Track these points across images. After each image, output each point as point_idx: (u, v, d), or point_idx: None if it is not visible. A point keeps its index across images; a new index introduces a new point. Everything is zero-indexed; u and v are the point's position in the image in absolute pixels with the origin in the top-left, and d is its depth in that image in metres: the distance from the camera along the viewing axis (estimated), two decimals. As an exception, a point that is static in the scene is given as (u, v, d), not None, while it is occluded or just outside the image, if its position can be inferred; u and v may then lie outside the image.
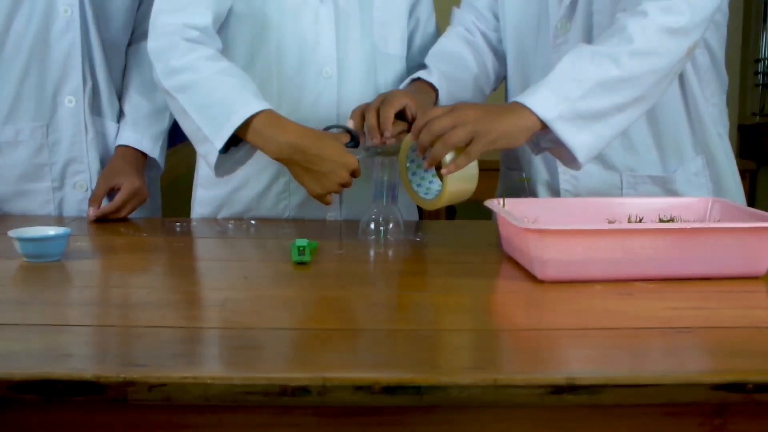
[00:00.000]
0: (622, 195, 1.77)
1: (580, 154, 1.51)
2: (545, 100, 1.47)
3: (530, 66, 1.81)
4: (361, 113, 1.60)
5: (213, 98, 1.57)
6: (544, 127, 1.48)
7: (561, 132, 1.48)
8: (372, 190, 1.62)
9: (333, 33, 1.74)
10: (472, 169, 1.51)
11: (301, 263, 1.46)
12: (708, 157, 1.80)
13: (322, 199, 1.57)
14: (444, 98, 1.75)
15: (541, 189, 1.83)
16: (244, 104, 1.55)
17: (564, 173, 1.78)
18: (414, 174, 1.61)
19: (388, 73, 1.80)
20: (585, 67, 1.50)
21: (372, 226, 1.64)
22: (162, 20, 1.63)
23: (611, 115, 1.51)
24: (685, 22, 1.51)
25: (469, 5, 1.92)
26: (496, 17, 1.89)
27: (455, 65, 1.80)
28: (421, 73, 1.75)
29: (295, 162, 1.54)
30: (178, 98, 1.59)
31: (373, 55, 1.78)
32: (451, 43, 1.85)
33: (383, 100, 1.59)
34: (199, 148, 1.62)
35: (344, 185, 1.56)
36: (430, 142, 1.46)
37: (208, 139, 1.56)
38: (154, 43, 1.63)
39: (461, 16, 1.92)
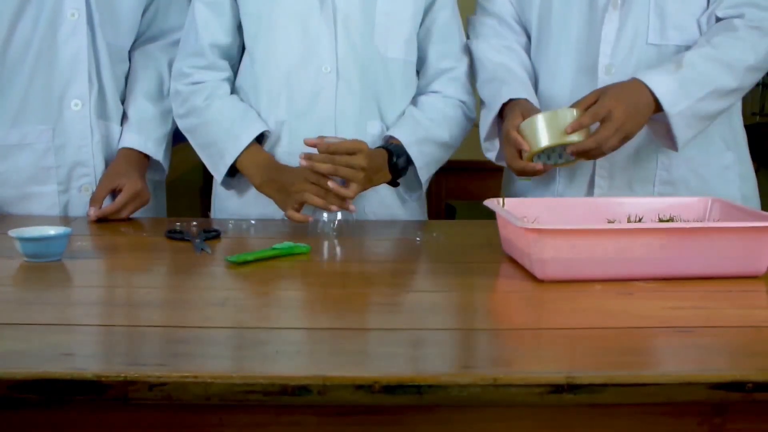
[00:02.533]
0: (654, 182, 1.77)
1: (681, 144, 1.67)
2: (673, 94, 1.62)
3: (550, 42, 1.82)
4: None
5: (207, 140, 1.83)
6: (658, 110, 1.63)
7: (676, 127, 1.64)
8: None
9: (332, 35, 1.76)
10: None
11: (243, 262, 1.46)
12: (739, 154, 1.84)
13: (292, 218, 1.71)
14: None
15: (577, 174, 1.82)
16: (228, 147, 1.78)
17: (601, 160, 1.76)
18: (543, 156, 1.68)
19: (388, 75, 1.80)
20: (710, 70, 1.64)
21: (322, 220, 1.68)
22: (174, 65, 1.87)
23: (712, 118, 1.69)
24: None
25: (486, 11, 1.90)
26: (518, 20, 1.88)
27: (519, 76, 1.81)
28: (527, 95, 1.76)
29: (267, 190, 1.78)
30: (188, 138, 1.87)
31: (373, 58, 1.79)
32: (500, 56, 1.84)
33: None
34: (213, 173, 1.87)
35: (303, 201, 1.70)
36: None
37: (212, 172, 1.84)
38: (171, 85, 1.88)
39: (485, 22, 1.90)
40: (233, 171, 1.82)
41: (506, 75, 1.80)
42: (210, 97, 1.81)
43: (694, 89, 1.63)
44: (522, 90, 1.76)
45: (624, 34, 1.74)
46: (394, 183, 1.80)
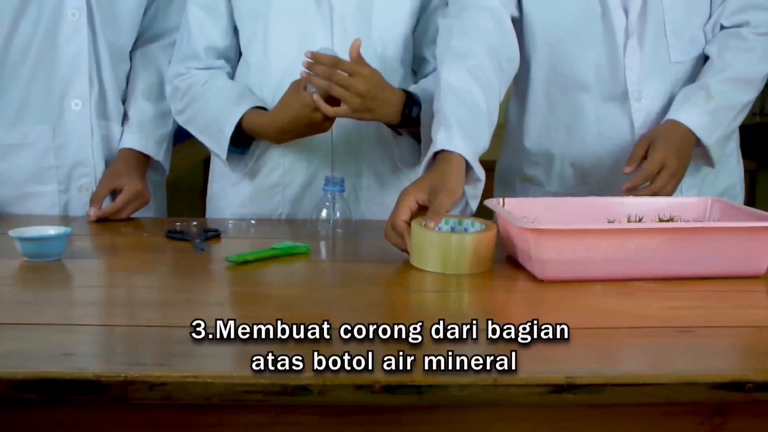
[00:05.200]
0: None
1: (717, 161, 1.74)
2: (708, 127, 1.68)
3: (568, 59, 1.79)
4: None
5: (207, 122, 1.80)
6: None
7: (713, 151, 1.71)
8: (322, 184, 1.68)
9: (329, 35, 1.76)
10: None
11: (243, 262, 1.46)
12: (735, 141, 1.88)
13: (320, 127, 1.69)
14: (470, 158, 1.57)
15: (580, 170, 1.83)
16: (227, 118, 1.75)
17: None
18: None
19: (386, 75, 1.79)
20: (735, 93, 1.71)
21: (321, 219, 1.66)
22: (169, 69, 1.87)
23: (737, 127, 1.80)
24: None
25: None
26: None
27: (471, 111, 1.60)
28: (442, 144, 1.53)
29: (288, 138, 1.73)
30: (190, 129, 1.85)
31: (370, 58, 1.78)
32: (458, 80, 1.62)
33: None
34: (218, 160, 1.85)
35: (319, 123, 1.66)
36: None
37: (217, 153, 1.80)
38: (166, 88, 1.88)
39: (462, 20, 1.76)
40: (240, 148, 1.80)
41: (455, 111, 1.57)
42: (207, 82, 1.80)
43: (725, 116, 1.71)
44: (460, 140, 1.52)
45: (646, 58, 1.75)
46: (396, 130, 1.75)
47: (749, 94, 1.73)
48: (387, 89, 1.68)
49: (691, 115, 1.68)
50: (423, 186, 1.49)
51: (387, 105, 1.67)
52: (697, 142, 1.69)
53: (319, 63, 1.60)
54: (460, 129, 1.54)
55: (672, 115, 1.69)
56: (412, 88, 1.76)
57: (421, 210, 1.47)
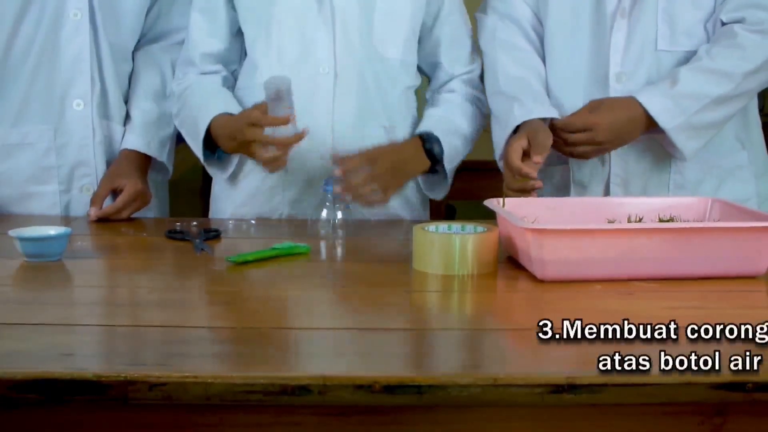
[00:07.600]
0: (669, 187, 1.78)
1: (689, 155, 1.71)
2: (668, 111, 1.66)
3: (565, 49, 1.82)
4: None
5: (188, 125, 1.81)
6: (656, 125, 1.67)
7: (677, 140, 1.68)
8: (322, 186, 1.68)
9: (330, 35, 1.76)
10: None
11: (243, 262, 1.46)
12: (754, 152, 1.84)
13: (269, 165, 1.66)
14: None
15: (592, 182, 1.83)
16: (201, 121, 1.75)
17: (615, 165, 1.78)
18: None
19: (387, 76, 1.80)
20: (704, 82, 1.67)
21: (321, 219, 1.67)
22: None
23: (719, 124, 1.72)
24: None
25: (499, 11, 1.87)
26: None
27: (534, 91, 1.81)
28: (540, 112, 1.75)
29: (237, 149, 1.72)
30: (182, 133, 1.87)
31: (372, 59, 1.79)
32: (519, 70, 1.82)
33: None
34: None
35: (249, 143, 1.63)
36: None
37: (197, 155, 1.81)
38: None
39: (499, 24, 1.86)
40: (219, 154, 1.82)
41: (521, 91, 1.78)
42: (191, 86, 1.82)
43: (690, 103, 1.66)
44: (535, 107, 1.75)
45: (633, 41, 1.74)
46: (433, 170, 1.79)
47: (724, 88, 1.68)
48: (399, 149, 1.75)
49: (651, 96, 1.67)
50: (521, 135, 1.66)
51: (412, 160, 1.75)
52: (657, 128, 1.67)
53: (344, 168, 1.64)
54: (531, 100, 1.75)
55: (635, 93, 1.69)
56: (425, 126, 1.80)
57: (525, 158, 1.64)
